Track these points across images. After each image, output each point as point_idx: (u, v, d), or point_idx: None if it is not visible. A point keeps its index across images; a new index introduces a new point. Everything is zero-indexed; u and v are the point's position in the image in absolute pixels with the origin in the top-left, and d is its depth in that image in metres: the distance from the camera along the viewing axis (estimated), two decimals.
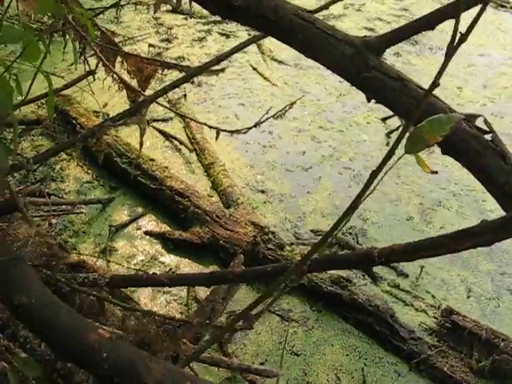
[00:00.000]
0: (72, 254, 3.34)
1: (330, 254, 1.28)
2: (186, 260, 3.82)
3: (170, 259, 3.82)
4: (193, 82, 5.73)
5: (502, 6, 9.48)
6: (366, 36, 1.59)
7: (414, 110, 1.27)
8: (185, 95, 5.58)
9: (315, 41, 1.54)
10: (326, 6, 1.91)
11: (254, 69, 6.29)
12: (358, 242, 4.07)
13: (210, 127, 2.85)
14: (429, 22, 1.53)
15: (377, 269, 3.89)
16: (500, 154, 1.61)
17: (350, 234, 4.17)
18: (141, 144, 2.78)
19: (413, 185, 4.74)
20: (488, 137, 1.63)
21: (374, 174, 1.08)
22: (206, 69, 2.42)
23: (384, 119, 5.55)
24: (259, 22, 1.55)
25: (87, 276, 2.05)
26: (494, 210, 4.54)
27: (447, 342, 3.44)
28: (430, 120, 1.28)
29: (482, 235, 1.50)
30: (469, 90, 6.43)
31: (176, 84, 2.11)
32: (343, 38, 1.55)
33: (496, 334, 3.42)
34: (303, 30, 1.53)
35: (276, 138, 5.12)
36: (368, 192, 1.17)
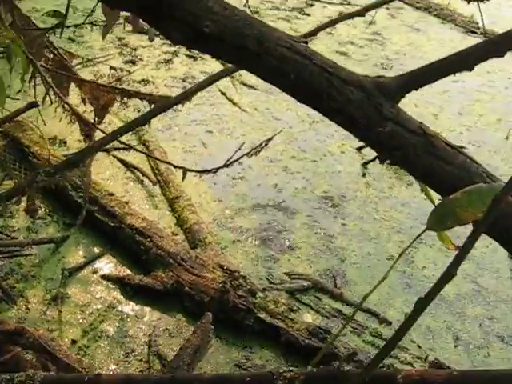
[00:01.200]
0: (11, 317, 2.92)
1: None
2: (147, 308, 3.44)
3: (128, 308, 3.43)
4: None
5: (473, 32, 9.38)
6: (379, 76, 1.25)
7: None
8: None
9: (313, 82, 1.19)
10: (314, 32, 1.59)
11: (223, 93, 5.96)
12: (336, 286, 3.74)
13: (175, 166, 2.50)
14: (465, 61, 1.21)
15: (359, 315, 3.57)
16: None
17: (328, 275, 3.83)
18: (85, 201, 2.40)
19: (392, 221, 4.44)
20: None
21: (421, 303, 0.74)
22: (172, 104, 2.07)
23: (359, 148, 5.26)
24: (237, 54, 1.19)
25: (12, 377, 1.66)
26: (477, 247, 4.29)
27: None
28: (467, 191, 0.95)
29: None
30: (445, 118, 6.21)
31: (133, 125, 1.77)
32: (349, 79, 1.19)
33: None
34: (297, 67, 1.18)
35: (246, 168, 4.77)
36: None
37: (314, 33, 1.61)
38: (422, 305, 0.74)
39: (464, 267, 4.14)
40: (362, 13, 1.51)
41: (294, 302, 3.55)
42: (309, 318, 3.48)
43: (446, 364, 3.31)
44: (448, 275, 0.67)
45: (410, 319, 0.78)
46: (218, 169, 2.51)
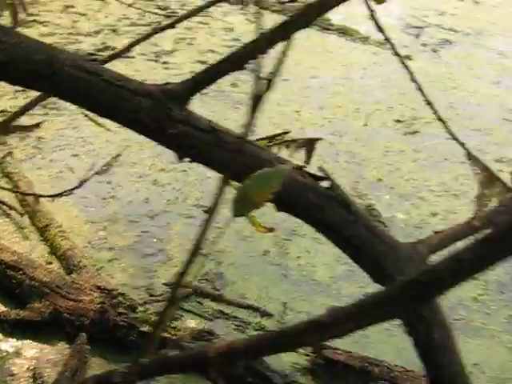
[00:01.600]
0: None
1: (159, 358, 1.02)
2: (28, 342, 3.38)
3: (8, 345, 3.35)
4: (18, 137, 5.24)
5: (327, 29, 9.83)
6: (167, 83, 1.36)
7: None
8: (10, 152, 5.07)
9: (103, 96, 1.27)
10: (128, 48, 1.66)
11: (86, 115, 5.89)
12: (215, 288, 3.84)
13: (24, 194, 2.50)
14: (239, 61, 1.34)
15: (241, 312, 3.69)
16: (342, 203, 1.42)
17: (207, 280, 3.92)
18: None
19: (264, 217, 4.57)
20: (326, 184, 1.45)
21: (174, 283, 0.83)
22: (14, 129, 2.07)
23: None
24: (31, 79, 1.25)
25: None
26: None
27: (322, 378, 3.30)
28: (254, 176, 1.07)
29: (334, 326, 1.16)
30: (306, 113, 6.48)
31: None
32: (137, 89, 1.29)
33: (369, 360, 3.33)
34: (86, 84, 1.26)
35: (116, 187, 4.77)
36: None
37: (128, 48, 1.68)
38: (175, 285, 0.82)
39: (337, 252, 4.34)
40: (174, 24, 1.60)
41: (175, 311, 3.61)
42: (192, 323, 3.55)
43: (331, 346, 3.49)
44: (196, 250, 0.76)
45: (171, 304, 0.86)
46: (70, 190, 2.53)
